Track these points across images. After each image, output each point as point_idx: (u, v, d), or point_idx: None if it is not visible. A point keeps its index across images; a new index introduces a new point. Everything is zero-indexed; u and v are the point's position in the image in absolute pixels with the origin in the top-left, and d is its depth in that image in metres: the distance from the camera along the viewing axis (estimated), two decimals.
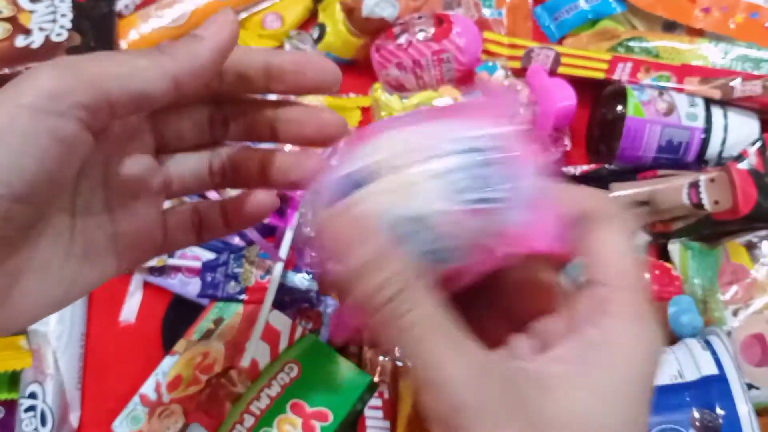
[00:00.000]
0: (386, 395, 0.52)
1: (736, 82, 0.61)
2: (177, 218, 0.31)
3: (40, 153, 0.23)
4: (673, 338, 0.51)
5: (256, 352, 0.52)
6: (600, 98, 0.65)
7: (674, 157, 0.62)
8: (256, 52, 0.29)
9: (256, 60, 0.29)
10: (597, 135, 0.65)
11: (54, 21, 0.60)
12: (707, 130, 0.61)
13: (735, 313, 0.54)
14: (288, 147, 0.35)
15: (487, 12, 0.69)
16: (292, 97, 0.32)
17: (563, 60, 0.65)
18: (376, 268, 0.22)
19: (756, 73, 0.63)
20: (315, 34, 0.67)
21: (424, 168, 0.23)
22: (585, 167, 0.62)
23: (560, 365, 0.23)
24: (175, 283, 0.59)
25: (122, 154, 0.28)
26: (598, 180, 0.61)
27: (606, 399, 0.22)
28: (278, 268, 0.55)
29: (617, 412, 0.22)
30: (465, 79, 0.64)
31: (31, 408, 0.52)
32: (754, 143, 0.59)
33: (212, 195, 0.50)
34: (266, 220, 0.53)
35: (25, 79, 0.23)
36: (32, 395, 0.52)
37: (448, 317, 0.22)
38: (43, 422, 0.52)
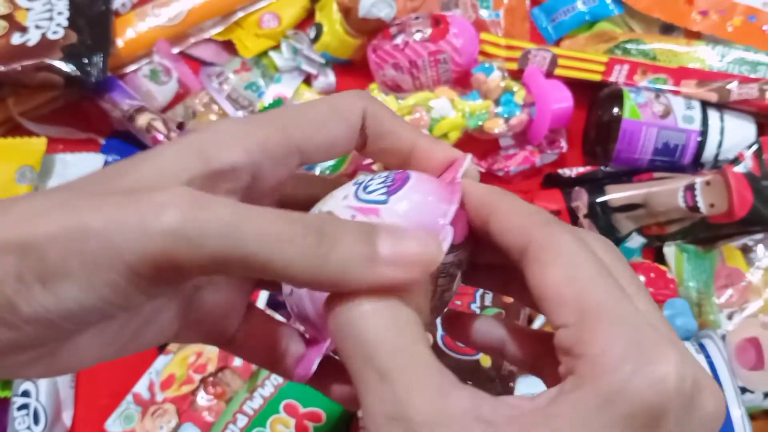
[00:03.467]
0: None
1: (733, 85, 0.61)
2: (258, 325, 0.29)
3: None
4: None
5: None
6: (596, 100, 0.65)
7: (670, 160, 0.62)
8: (405, 131, 0.26)
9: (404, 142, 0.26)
10: (593, 137, 0.65)
11: (50, 19, 0.60)
12: (703, 132, 0.61)
13: (730, 317, 0.54)
14: None
15: (484, 13, 0.69)
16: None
17: (560, 62, 0.65)
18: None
19: (753, 76, 0.63)
20: (312, 33, 0.67)
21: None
22: (581, 169, 0.62)
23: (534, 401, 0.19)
24: None
25: None
26: (593, 182, 0.61)
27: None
28: None
29: None
30: (461, 80, 0.64)
31: (24, 406, 0.52)
32: (750, 146, 0.59)
33: None
34: None
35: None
36: (25, 393, 0.52)
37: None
38: (36, 421, 0.51)
